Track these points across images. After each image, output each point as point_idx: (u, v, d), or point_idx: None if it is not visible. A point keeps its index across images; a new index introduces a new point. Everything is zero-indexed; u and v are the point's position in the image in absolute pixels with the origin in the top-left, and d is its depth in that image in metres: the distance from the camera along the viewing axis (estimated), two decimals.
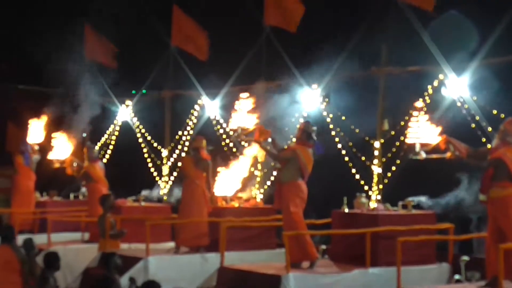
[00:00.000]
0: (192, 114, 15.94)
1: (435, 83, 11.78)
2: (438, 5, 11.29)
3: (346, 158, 12.84)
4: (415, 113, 9.85)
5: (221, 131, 15.15)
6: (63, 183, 16.59)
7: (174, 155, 16.20)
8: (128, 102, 17.39)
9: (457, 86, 11.44)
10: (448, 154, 9.40)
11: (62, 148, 15.13)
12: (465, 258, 10.33)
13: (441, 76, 11.66)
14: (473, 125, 11.20)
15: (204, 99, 15.58)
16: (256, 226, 12.30)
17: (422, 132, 9.60)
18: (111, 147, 17.67)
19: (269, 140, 11.16)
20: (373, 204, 11.77)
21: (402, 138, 11.78)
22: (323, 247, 11.68)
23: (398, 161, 12.16)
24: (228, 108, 13.62)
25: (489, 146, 9.74)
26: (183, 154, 15.55)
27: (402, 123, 11.84)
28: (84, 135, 16.68)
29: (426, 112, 9.88)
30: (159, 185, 16.09)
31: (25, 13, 18.94)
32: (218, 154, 13.90)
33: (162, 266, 11.29)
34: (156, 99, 16.84)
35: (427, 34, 11.58)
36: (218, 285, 10.86)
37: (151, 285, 6.80)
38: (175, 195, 15.14)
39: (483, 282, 9.41)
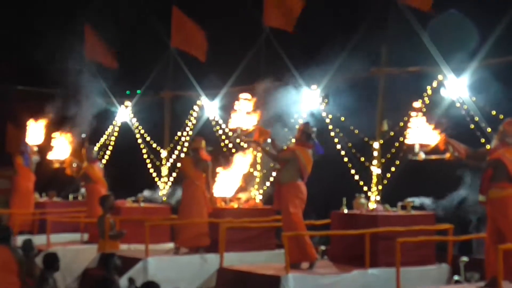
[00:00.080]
0: (192, 115, 15.95)
1: (435, 84, 11.78)
2: (437, 6, 11.30)
3: (346, 159, 12.85)
4: (414, 113, 9.85)
5: (221, 131, 15.16)
6: (62, 184, 16.59)
7: (174, 156, 16.21)
8: (128, 102, 17.39)
9: (456, 86, 11.45)
10: (447, 155, 9.40)
11: (62, 148, 15.12)
12: (465, 258, 10.33)
13: (440, 77, 11.67)
14: (472, 126, 11.21)
15: (204, 100, 15.59)
16: (255, 227, 12.29)
17: (422, 132, 9.60)
18: (110, 147, 17.68)
19: (269, 140, 11.16)
20: (372, 205, 11.78)
21: (401, 138, 11.79)
22: (323, 248, 11.68)
23: (397, 162, 12.16)
24: (227, 109, 13.62)
25: (488, 146, 9.74)
26: (183, 155, 15.55)
27: (402, 123, 11.85)
28: (84, 135, 16.67)
29: (425, 113, 9.88)
30: (162, 186, 16.11)
31: (24, 13, 18.94)
32: (219, 155, 13.91)
33: (161, 267, 11.29)
34: (155, 99, 16.84)
35: (426, 35, 11.59)
36: (217, 286, 10.85)
37: (150, 285, 6.79)
38: (178, 196, 15.14)
39: (483, 283, 9.41)
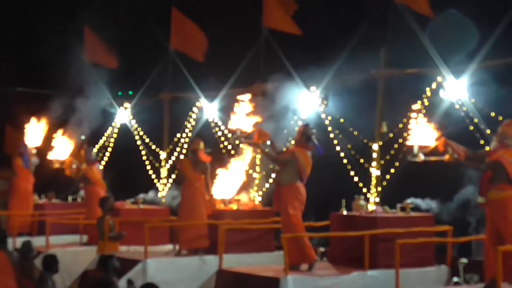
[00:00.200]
0: (191, 117, 15.95)
1: (434, 86, 11.79)
2: (437, 7, 11.31)
3: (345, 161, 12.85)
4: (413, 115, 9.85)
5: (220, 133, 15.16)
6: (61, 186, 16.58)
7: (173, 158, 16.21)
8: (127, 104, 17.39)
9: (456, 88, 11.46)
10: (446, 157, 9.39)
11: (62, 148, 15.10)
12: (464, 260, 10.33)
13: (439, 79, 11.68)
14: (471, 127, 11.21)
15: (203, 102, 15.59)
16: (254, 229, 12.29)
17: (421, 134, 9.60)
18: (109, 149, 17.68)
19: (268, 142, 11.15)
20: (371, 207, 11.77)
21: (400, 140, 11.79)
22: (322, 249, 11.68)
23: (396, 164, 12.16)
24: (226, 110, 13.63)
25: (487, 148, 9.74)
26: (182, 157, 15.54)
27: (401, 125, 11.85)
28: (83, 137, 16.67)
29: (424, 115, 9.88)
30: (161, 188, 16.11)
31: (24, 14, 18.94)
32: (219, 156, 13.91)
33: (160, 268, 11.28)
34: (154, 101, 16.84)
35: (425, 37, 11.59)
36: None
37: (149, 287, 6.78)
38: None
39: (482, 285, 9.40)
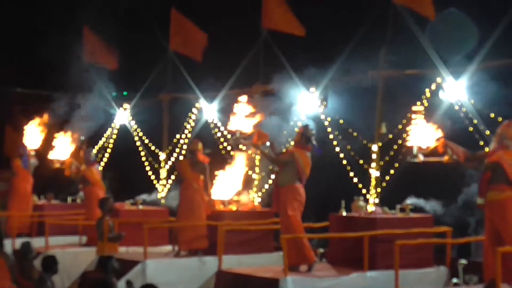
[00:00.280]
0: (190, 117, 15.95)
1: (433, 87, 11.79)
2: (436, 8, 11.31)
3: (344, 161, 12.85)
4: (413, 116, 9.85)
5: (219, 134, 15.16)
6: (61, 186, 16.57)
7: (172, 159, 16.20)
8: (126, 105, 17.39)
9: (455, 89, 11.46)
10: (445, 158, 9.39)
11: (63, 148, 15.08)
12: (463, 261, 10.32)
13: (439, 80, 11.69)
14: (471, 128, 11.21)
15: (202, 102, 15.59)
16: (254, 230, 12.28)
17: (420, 135, 9.60)
18: (109, 150, 17.67)
19: (268, 143, 11.15)
20: (371, 208, 11.77)
21: (400, 141, 11.79)
22: (321, 250, 11.67)
23: (396, 165, 12.16)
24: (226, 111, 13.63)
25: (486, 149, 9.74)
26: (181, 158, 15.54)
27: (400, 126, 11.85)
28: (82, 138, 16.66)
29: (424, 116, 9.88)
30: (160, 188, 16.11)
31: (24, 15, 18.94)
32: (218, 157, 13.90)
33: (160, 269, 11.28)
34: (154, 102, 16.84)
35: (425, 38, 11.59)
36: None
37: None
38: None
39: (481, 286, 9.40)
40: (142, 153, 16.90)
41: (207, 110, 15.51)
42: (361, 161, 12.61)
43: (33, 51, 16.20)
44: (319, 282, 10.14)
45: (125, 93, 17.12)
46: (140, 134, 17.11)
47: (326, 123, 13.16)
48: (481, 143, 10.93)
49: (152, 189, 15.71)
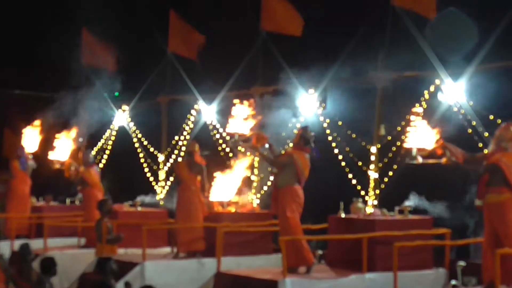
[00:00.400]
0: (189, 119, 15.95)
1: (432, 88, 11.79)
2: (436, 9, 11.32)
3: (343, 163, 12.84)
4: (412, 117, 9.86)
5: (218, 136, 15.16)
6: (59, 188, 16.56)
7: (171, 160, 16.20)
8: (125, 107, 17.39)
9: (454, 91, 11.47)
10: (444, 160, 9.41)
11: (63, 149, 15.07)
12: (462, 263, 10.32)
13: (437, 81, 11.69)
14: (469, 130, 11.21)
15: (201, 104, 15.58)
16: (252, 231, 12.28)
17: (419, 137, 9.60)
18: (107, 152, 17.66)
19: (266, 146, 11.15)
20: (369, 209, 11.77)
21: (398, 143, 11.79)
22: (320, 252, 11.67)
23: (395, 166, 12.16)
24: (224, 113, 13.63)
25: (485, 151, 9.75)
26: (180, 159, 15.54)
27: (399, 128, 11.85)
28: (81, 140, 16.65)
29: (422, 117, 9.89)
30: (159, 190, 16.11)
31: (23, 18, 18.93)
32: (217, 159, 13.90)
33: (158, 271, 11.28)
34: (152, 104, 16.84)
35: (424, 40, 11.60)
36: None
37: None
38: None
39: (480, 287, 9.41)
40: (141, 155, 16.90)
41: (205, 111, 15.51)
42: (360, 163, 12.61)
43: (32, 53, 16.19)
44: (318, 284, 10.14)
45: (116, 93, 17.09)
46: (139, 135, 17.10)
47: (325, 124, 13.16)
48: (480, 145, 10.93)
49: (146, 190, 15.69)
